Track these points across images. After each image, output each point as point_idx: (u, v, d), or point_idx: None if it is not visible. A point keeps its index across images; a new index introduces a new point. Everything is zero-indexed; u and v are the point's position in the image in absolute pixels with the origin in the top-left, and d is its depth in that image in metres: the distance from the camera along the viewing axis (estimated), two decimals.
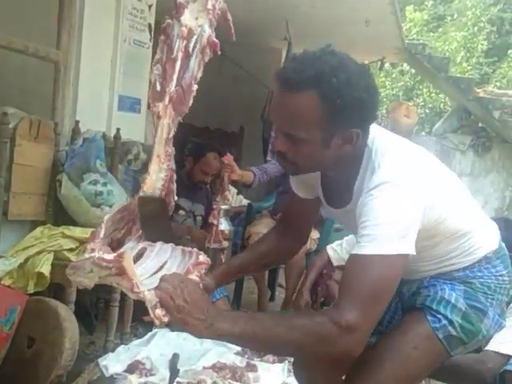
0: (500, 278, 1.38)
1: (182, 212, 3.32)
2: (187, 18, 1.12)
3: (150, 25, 3.53)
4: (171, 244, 1.22)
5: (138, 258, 1.20)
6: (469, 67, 12.08)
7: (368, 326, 1.12)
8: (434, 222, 1.26)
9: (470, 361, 1.90)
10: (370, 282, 1.13)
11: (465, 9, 13.13)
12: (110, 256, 1.08)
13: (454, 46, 12.21)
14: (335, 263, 3.45)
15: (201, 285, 1.18)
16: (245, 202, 4.34)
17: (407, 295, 1.45)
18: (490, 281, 1.36)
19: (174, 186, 1.23)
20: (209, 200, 3.65)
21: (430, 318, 1.33)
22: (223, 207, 3.06)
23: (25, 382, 2.06)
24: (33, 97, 3.16)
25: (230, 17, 1.22)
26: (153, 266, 1.19)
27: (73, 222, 2.66)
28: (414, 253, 1.17)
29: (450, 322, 1.31)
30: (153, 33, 3.56)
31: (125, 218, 1.20)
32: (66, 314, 2.13)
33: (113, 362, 2.44)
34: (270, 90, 5.55)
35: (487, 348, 1.95)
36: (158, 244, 1.21)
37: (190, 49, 1.14)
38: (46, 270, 2.24)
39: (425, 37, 12.12)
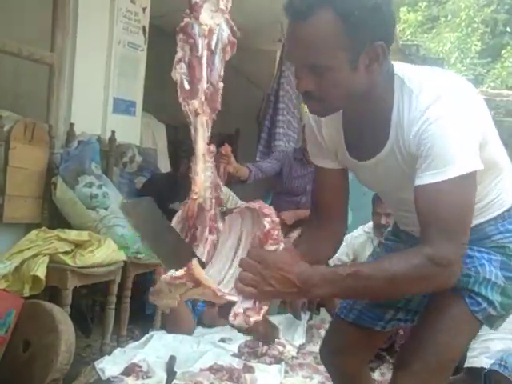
0: None
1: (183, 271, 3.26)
2: (204, 16, 1.12)
3: (144, 27, 3.53)
4: (234, 213, 1.19)
5: (211, 256, 1.18)
6: (463, 68, 12.15)
7: (461, 253, 1.14)
8: (480, 141, 1.18)
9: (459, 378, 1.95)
10: (454, 209, 1.12)
11: (458, 10, 13.20)
12: (180, 272, 1.06)
13: (447, 47, 12.28)
14: (331, 263, 3.47)
15: (281, 245, 1.09)
16: (240, 203, 4.33)
17: None
18: None
19: (219, 180, 1.20)
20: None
21: (468, 300, 1.28)
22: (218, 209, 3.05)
23: None
24: (27, 100, 3.16)
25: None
26: (227, 256, 1.17)
27: (68, 225, 2.66)
28: (482, 167, 1.14)
29: (491, 303, 1.28)
30: (147, 35, 3.57)
31: (185, 227, 1.17)
32: (62, 317, 2.12)
33: (109, 365, 2.43)
34: (265, 92, 5.57)
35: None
36: (225, 225, 1.18)
37: (213, 47, 1.14)
38: (41, 273, 2.23)
39: (419, 38, 12.17)
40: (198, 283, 1.05)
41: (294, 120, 5.42)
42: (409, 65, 1.26)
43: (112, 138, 3.10)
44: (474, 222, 1.27)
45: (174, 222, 1.15)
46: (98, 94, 3.28)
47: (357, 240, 3.38)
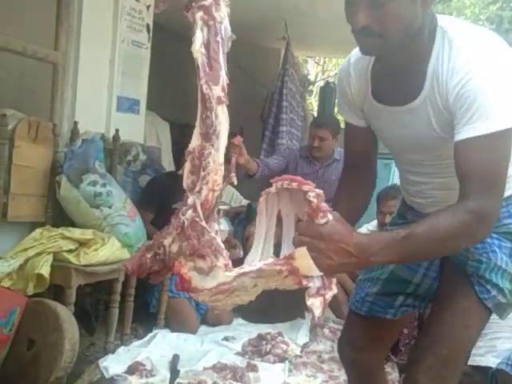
0: None
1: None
2: (222, 5, 1.08)
3: (148, 25, 3.53)
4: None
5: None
6: None
7: (498, 205, 1.16)
8: None
9: (465, 371, 1.92)
10: (494, 163, 1.13)
11: (464, 7, 13.14)
12: (281, 260, 1.02)
13: None
14: None
15: (330, 217, 1.03)
16: (244, 202, 4.33)
17: None
18: None
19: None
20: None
21: (477, 288, 1.29)
22: (222, 207, 3.04)
23: (25, 383, 2.06)
24: (31, 98, 3.16)
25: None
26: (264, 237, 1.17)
27: (72, 223, 2.66)
28: None
29: (500, 290, 1.28)
30: (151, 33, 3.56)
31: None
32: (66, 315, 2.13)
33: (113, 364, 2.44)
34: (269, 90, 5.56)
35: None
36: (261, 208, 1.16)
37: (223, 37, 1.08)
38: (45, 271, 2.24)
39: None
40: (295, 272, 1.00)
41: (297, 118, 5.40)
42: (452, 17, 1.26)
43: (116, 137, 3.10)
44: None
45: (184, 207, 1.09)
46: (102, 93, 3.28)
47: None
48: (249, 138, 5.78)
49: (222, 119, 1.05)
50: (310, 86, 7.07)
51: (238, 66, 5.35)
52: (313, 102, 8.51)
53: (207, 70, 1.04)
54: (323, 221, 1.02)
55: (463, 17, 12.75)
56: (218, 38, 1.06)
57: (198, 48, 1.03)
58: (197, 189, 1.08)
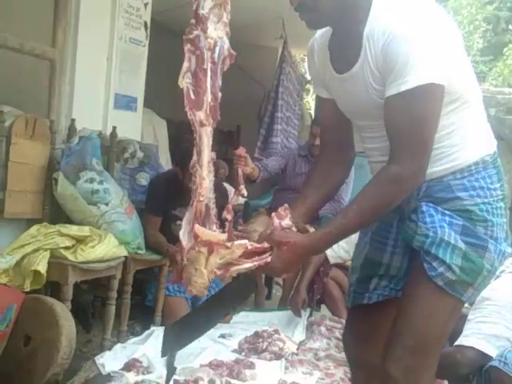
0: (494, 193, 1.32)
1: (179, 222, 3.19)
2: (211, 29, 1.20)
3: (145, 23, 3.52)
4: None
5: None
6: None
7: (424, 166, 1.22)
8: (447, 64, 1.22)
9: (446, 351, 1.94)
10: (416, 121, 1.18)
11: (460, 7, 13.17)
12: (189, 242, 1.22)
13: None
14: (332, 261, 3.47)
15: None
16: (241, 199, 4.34)
17: (407, 214, 1.37)
18: (486, 201, 1.31)
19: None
20: (221, 194, 3.53)
21: (426, 265, 1.29)
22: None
23: (21, 380, 2.06)
24: (28, 95, 3.15)
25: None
26: None
27: (69, 220, 2.66)
28: (445, 83, 1.18)
29: (448, 267, 1.27)
30: (149, 31, 3.56)
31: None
32: (63, 312, 2.13)
33: (110, 360, 2.44)
34: (266, 88, 5.56)
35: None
36: None
37: (216, 59, 1.22)
38: (42, 268, 2.24)
39: None
40: (208, 243, 1.18)
41: (294, 116, 5.42)
42: None
43: (113, 134, 3.10)
44: (437, 170, 1.30)
45: (186, 222, 1.25)
46: (100, 90, 3.28)
47: (357, 236, 3.37)
48: (246, 137, 5.81)
49: (204, 140, 1.23)
50: (307, 85, 7.07)
51: (236, 65, 5.36)
52: (310, 101, 8.52)
53: (192, 97, 1.20)
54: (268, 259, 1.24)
55: (460, 16, 12.78)
56: (205, 65, 1.20)
57: (180, 79, 1.19)
58: (191, 202, 1.27)
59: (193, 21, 1.18)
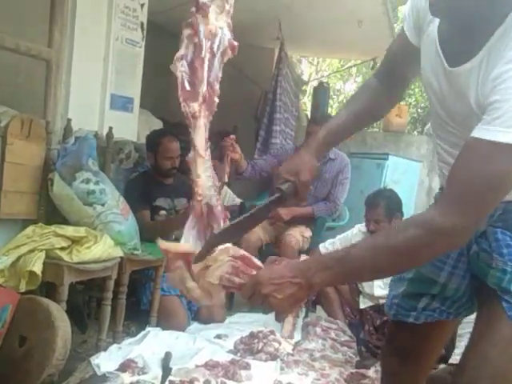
0: None
1: (162, 212, 3.26)
2: (211, 18, 1.13)
3: (142, 24, 3.53)
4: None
5: None
6: None
7: (470, 229, 1.01)
8: None
9: (441, 373, 1.93)
10: (491, 179, 0.97)
11: None
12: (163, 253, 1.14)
13: None
14: None
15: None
16: (237, 200, 4.34)
17: (475, 236, 1.22)
18: None
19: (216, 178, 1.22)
20: (187, 187, 3.56)
21: (505, 305, 1.14)
22: None
23: (16, 380, 2.06)
24: (24, 95, 3.15)
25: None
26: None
27: (65, 221, 2.66)
28: None
29: None
30: (145, 32, 3.56)
31: (201, 229, 1.17)
32: (58, 312, 2.13)
33: (105, 361, 2.44)
34: (263, 89, 5.57)
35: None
36: None
37: (215, 49, 1.15)
38: (37, 268, 2.23)
39: None
40: (180, 256, 1.08)
41: (291, 118, 5.42)
42: None
43: (109, 135, 3.10)
44: None
45: (188, 226, 1.15)
46: (96, 91, 3.28)
47: (353, 239, 3.38)
48: (243, 137, 5.79)
49: (198, 133, 1.14)
50: (304, 86, 7.08)
51: (232, 66, 5.36)
52: (306, 102, 8.53)
53: (187, 87, 1.11)
54: (255, 272, 1.06)
55: None
56: (203, 54, 1.11)
57: (173, 66, 1.10)
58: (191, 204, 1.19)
59: (193, 9, 1.11)
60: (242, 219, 1.18)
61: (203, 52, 1.11)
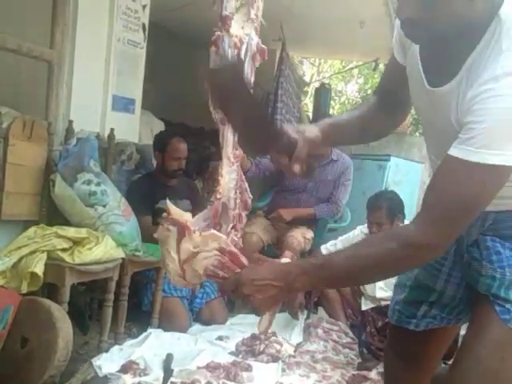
0: None
1: (165, 215, 3.25)
2: (235, 28, 1.18)
3: (143, 25, 3.53)
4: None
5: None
6: None
7: (444, 245, 1.05)
8: None
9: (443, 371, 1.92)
10: (466, 198, 0.99)
11: None
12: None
13: None
14: None
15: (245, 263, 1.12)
16: (249, 205, 4.33)
17: (466, 244, 1.26)
18: None
19: (246, 185, 1.27)
20: (192, 189, 3.55)
21: (498, 308, 1.16)
22: None
23: (18, 381, 2.06)
24: (26, 96, 3.15)
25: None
26: None
27: (66, 222, 2.66)
28: None
29: None
30: (147, 33, 3.56)
31: (210, 224, 1.22)
32: (60, 314, 2.13)
33: (106, 362, 2.44)
34: (264, 90, 5.56)
35: None
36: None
37: (242, 57, 1.20)
38: (39, 269, 2.23)
39: None
40: (176, 223, 1.11)
41: (293, 119, 5.42)
42: None
43: (111, 136, 3.10)
44: (511, 207, 1.16)
45: (201, 217, 1.21)
46: (97, 92, 3.28)
47: (355, 240, 3.37)
48: None
49: (225, 137, 1.19)
50: (306, 87, 7.08)
51: None
52: (308, 103, 8.53)
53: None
54: (238, 269, 1.10)
55: None
56: None
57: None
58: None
59: (219, 23, 1.18)
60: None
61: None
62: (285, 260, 1.21)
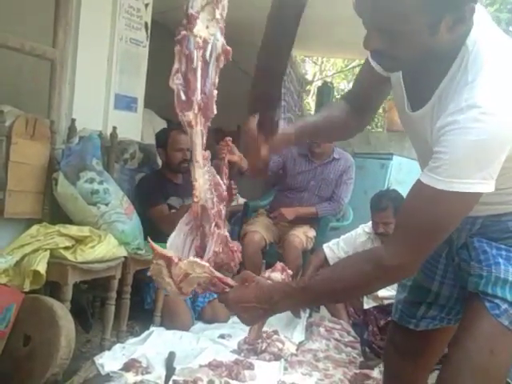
0: None
1: (173, 211, 3.27)
2: (200, 28, 1.17)
3: (146, 23, 3.53)
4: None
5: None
6: None
7: (414, 264, 1.11)
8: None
9: None
10: (433, 223, 1.05)
11: None
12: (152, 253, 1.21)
13: None
14: (331, 262, 3.46)
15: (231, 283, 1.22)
16: (241, 200, 4.34)
17: (456, 246, 1.32)
18: None
19: (218, 178, 1.29)
20: None
21: (488, 304, 1.19)
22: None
23: (21, 380, 2.06)
24: (29, 95, 3.16)
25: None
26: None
27: (69, 221, 2.66)
28: (493, 189, 1.04)
29: (511, 304, 1.18)
30: (149, 31, 3.56)
31: (194, 227, 1.27)
32: (62, 312, 2.13)
33: (109, 361, 2.44)
34: None
35: None
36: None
37: (207, 57, 1.19)
38: (41, 268, 2.24)
39: None
40: (163, 257, 1.17)
41: (294, 118, 5.42)
42: (490, 34, 1.09)
43: (113, 134, 3.10)
44: (498, 212, 1.20)
45: (183, 221, 1.26)
46: (100, 90, 3.28)
47: (357, 239, 3.37)
48: None
49: (194, 141, 1.21)
50: (308, 86, 7.07)
51: (236, 65, 5.35)
52: (310, 102, 8.52)
53: (182, 98, 1.18)
54: (226, 290, 1.21)
55: None
56: (194, 65, 1.17)
57: (171, 81, 1.17)
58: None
59: (184, 21, 1.16)
60: None
61: (194, 62, 1.17)
62: (275, 275, 1.28)
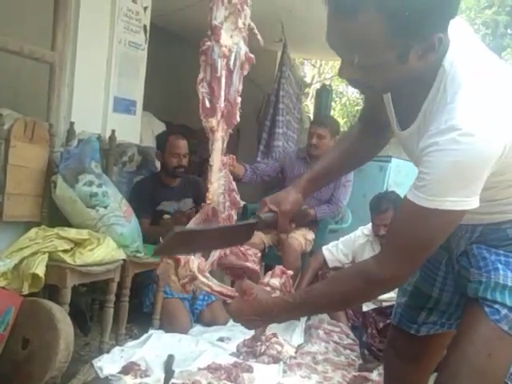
0: None
1: (166, 216, 3.27)
2: (224, 37, 1.23)
3: (145, 26, 3.53)
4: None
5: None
6: None
7: (404, 276, 1.16)
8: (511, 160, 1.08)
9: None
10: (420, 238, 1.09)
11: (459, 11, 13.19)
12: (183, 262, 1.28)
13: None
14: (330, 264, 3.47)
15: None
16: (241, 203, 4.33)
17: (456, 254, 1.33)
18: None
19: (234, 184, 1.35)
20: (198, 185, 3.51)
21: (487, 309, 1.20)
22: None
23: (19, 382, 2.06)
24: (28, 98, 3.16)
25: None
26: None
27: (68, 223, 2.66)
28: (477, 205, 1.07)
29: (510, 309, 1.19)
30: (148, 34, 3.57)
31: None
32: (61, 315, 2.13)
33: (107, 364, 2.44)
34: (265, 91, 5.57)
35: None
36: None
37: (231, 66, 1.25)
38: (40, 271, 2.24)
39: None
40: (172, 257, 1.26)
41: (293, 120, 5.42)
42: (467, 52, 1.11)
43: (112, 137, 3.11)
44: (498, 220, 1.22)
45: (193, 222, 1.30)
46: (99, 93, 3.29)
47: (356, 242, 3.38)
48: (245, 140, 5.81)
49: (215, 145, 1.27)
50: (307, 89, 7.08)
51: None
52: (309, 105, 8.53)
53: (207, 105, 1.24)
54: (228, 301, 1.28)
55: None
56: (218, 74, 1.23)
57: (198, 90, 1.24)
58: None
59: (209, 32, 1.22)
60: (210, 229, 1.28)
61: (219, 71, 1.23)
62: (273, 281, 1.33)
